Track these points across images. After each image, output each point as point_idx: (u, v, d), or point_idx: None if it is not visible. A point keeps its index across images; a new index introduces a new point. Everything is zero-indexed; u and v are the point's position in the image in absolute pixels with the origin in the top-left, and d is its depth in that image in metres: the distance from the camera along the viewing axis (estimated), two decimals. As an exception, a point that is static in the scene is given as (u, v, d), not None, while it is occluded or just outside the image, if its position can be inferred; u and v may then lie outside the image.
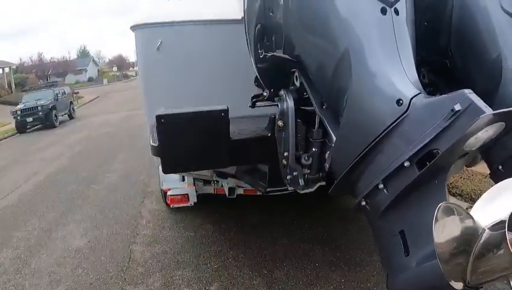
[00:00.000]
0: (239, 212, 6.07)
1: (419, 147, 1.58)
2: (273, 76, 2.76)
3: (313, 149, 2.65)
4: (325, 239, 5.25)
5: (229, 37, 3.89)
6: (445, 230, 1.33)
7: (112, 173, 9.54)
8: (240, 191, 5.18)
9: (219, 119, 2.49)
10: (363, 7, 1.85)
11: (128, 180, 8.79)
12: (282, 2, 2.14)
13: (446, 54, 2.51)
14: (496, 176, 2.22)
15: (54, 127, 21.32)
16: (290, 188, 2.97)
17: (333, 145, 2.17)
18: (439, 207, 1.32)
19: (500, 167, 2.19)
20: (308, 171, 2.78)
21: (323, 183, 3.06)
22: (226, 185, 5.09)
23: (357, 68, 1.80)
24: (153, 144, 2.78)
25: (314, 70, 2.16)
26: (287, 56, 2.29)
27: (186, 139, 2.52)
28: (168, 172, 2.87)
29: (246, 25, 2.59)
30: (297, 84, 2.58)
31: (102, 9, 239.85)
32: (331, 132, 2.23)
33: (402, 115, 1.65)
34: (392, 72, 1.75)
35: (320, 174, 2.85)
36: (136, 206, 7.04)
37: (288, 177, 2.83)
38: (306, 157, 2.70)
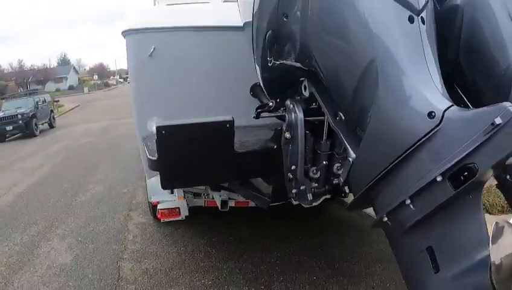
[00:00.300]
0: (230, 225, 5.89)
1: (454, 162, 1.51)
2: (280, 85, 2.62)
3: (323, 162, 2.53)
4: (321, 251, 5.14)
5: (225, 44, 3.76)
6: (500, 249, 1.27)
7: (95, 185, 9.23)
8: (231, 203, 5.02)
9: (224, 130, 2.35)
10: (391, 15, 1.77)
11: (112, 192, 8.50)
12: (300, 8, 2.00)
13: (455, 65, 2.45)
14: (504, 186, 2.17)
15: (34, 136, 20.78)
16: (294, 203, 2.83)
17: (354, 159, 2.06)
18: (495, 226, 1.23)
19: (508, 177, 2.12)
20: (316, 184, 2.66)
21: (328, 196, 2.95)
22: (218, 197, 4.92)
23: (385, 79, 1.71)
24: (151, 158, 2.58)
25: (334, 80, 2.03)
26: (299, 64, 2.15)
27: (188, 153, 2.36)
28: (167, 188, 2.72)
29: (253, 30, 2.42)
30: (306, 94, 2.46)
31: (84, 17, 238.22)
32: (348, 145, 2.11)
33: (434, 128, 1.58)
34: (422, 83, 1.68)
35: (327, 187, 2.74)
36: (122, 220, 6.78)
37: (293, 191, 2.72)
38: (314, 171, 2.59)
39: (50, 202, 8.22)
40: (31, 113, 21.18)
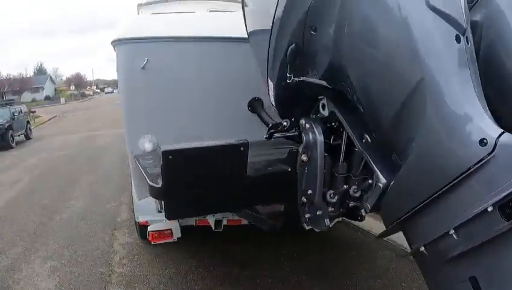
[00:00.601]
0: (223, 244, 5.65)
1: (509, 191, 1.37)
2: (296, 104, 2.40)
3: (342, 185, 2.34)
4: (319, 270, 5.01)
5: (225, 55, 3.54)
6: None
7: (75, 201, 8.82)
8: (223, 221, 4.80)
9: (238, 154, 2.12)
10: (439, 34, 1.62)
11: (94, 208, 8.11)
12: (334, 22, 1.80)
13: None
14: None
15: (11, 148, 19.99)
16: (307, 227, 2.62)
17: (386, 184, 1.89)
18: None
19: None
20: (332, 209, 2.47)
21: (340, 219, 2.78)
22: (212, 218, 4.67)
23: (434, 101, 1.57)
24: (154, 185, 2.31)
25: (371, 101, 1.84)
26: (323, 82, 1.95)
27: (198, 179, 2.12)
28: (173, 218, 2.47)
29: (271, 42, 2.16)
30: (325, 113, 2.26)
31: (60, 26, 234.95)
32: (377, 169, 1.92)
33: (487, 156, 1.44)
34: (471, 108, 1.55)
35: (341, 210, 2.55)
36: (107, 240, 6.44)
37: (307, 216, 2.51)
38: (332, 195, 2.39)
39: (29, 220, 7.78)
40: (7, 125, 20.41)
